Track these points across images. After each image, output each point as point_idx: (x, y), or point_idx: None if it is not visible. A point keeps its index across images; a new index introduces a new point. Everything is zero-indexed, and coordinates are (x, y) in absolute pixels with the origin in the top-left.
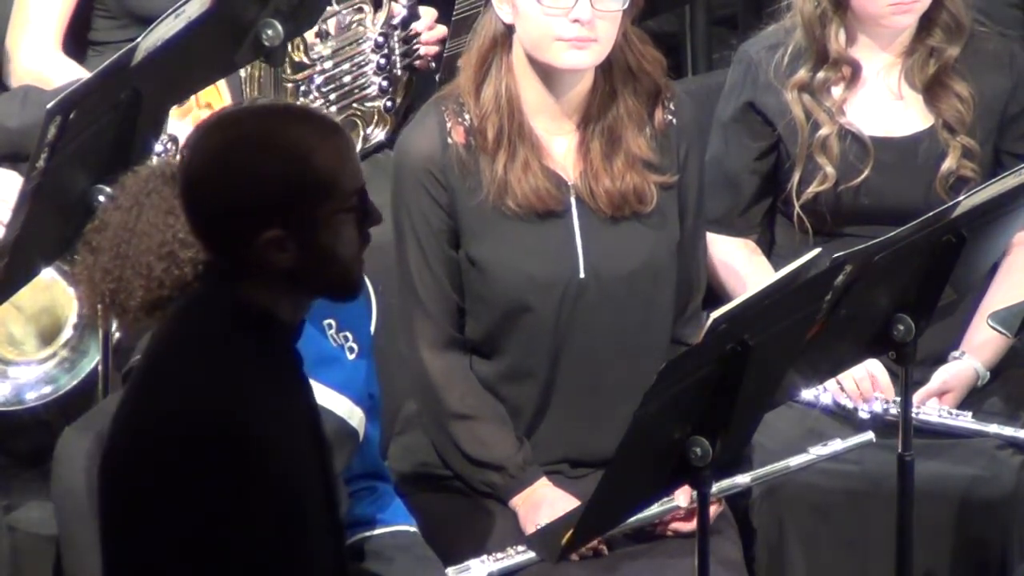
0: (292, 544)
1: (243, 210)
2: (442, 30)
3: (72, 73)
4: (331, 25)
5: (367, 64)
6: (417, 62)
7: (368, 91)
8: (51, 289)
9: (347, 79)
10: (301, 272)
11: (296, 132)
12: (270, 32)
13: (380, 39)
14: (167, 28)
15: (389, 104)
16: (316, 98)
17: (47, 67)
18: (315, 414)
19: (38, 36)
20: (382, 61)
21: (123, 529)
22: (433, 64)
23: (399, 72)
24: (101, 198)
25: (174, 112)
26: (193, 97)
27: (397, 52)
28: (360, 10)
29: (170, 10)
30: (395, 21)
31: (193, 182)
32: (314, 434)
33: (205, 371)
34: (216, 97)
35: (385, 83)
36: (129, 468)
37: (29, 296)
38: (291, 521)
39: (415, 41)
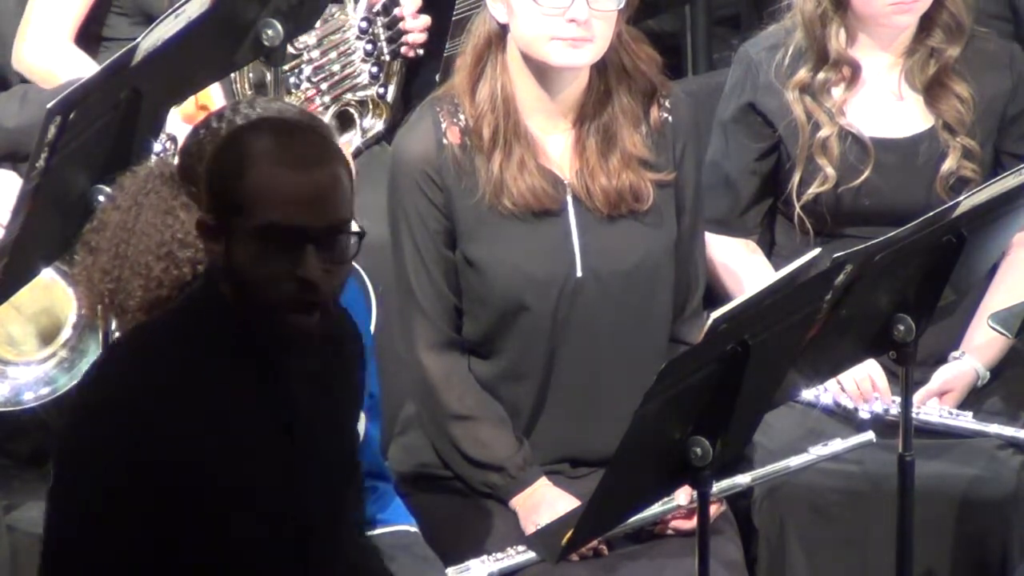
0: (199, 537)
1: (198, 184)
2: (426, 19)
3: (82, 66)
4: None
5: (353, 52)
6: (403, 48)
7: (359, 79)
8: (50, 289)
9: (336, 68)
10: (223, 272)
11: (256, 138)
12: (270, 32)
13: (363, 24)
14: (167, 28)
15: (382, 91)
16: (307, 89)
17: (55, 60)
18: (281, 415)
19: (50, 28)
20: (368, 47)
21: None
22: (420, 52)
23: (387, 58)
24: (101, 198)
25: (175, 112)
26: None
27: (382, 38)
28: None
29: (170, 10)
30: (376, 8)
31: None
32: (276, 435)
33: (142, 363)
34: (209, 99)
35: (375, 69)
36: (59, 454)
37: (28, 296)
38: (187, 514)
39: (399, 27)
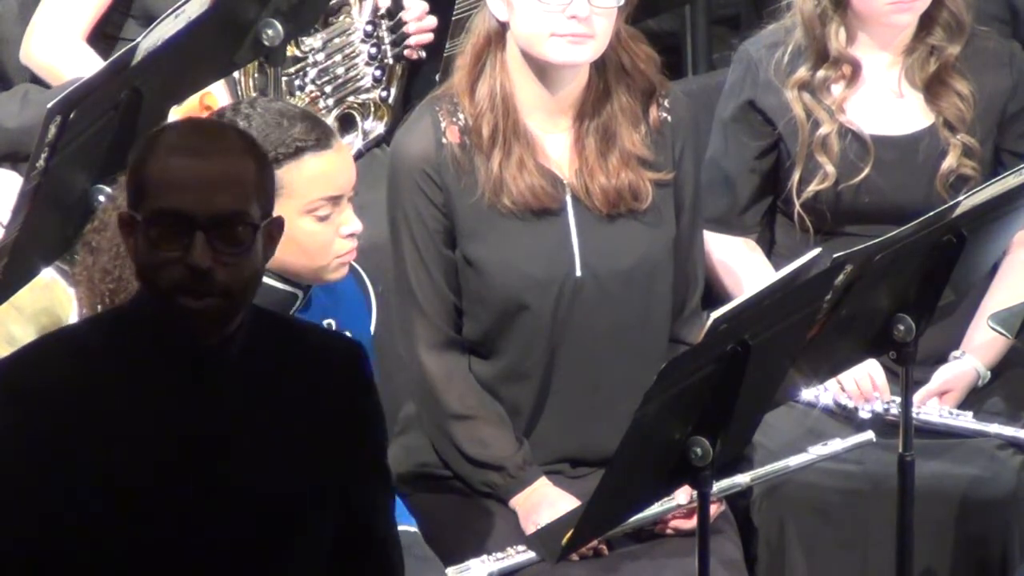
0: (78, 546)
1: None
2: (432, 20)
3: (89, 65)
4: None
5: (358, 55)
6: (407, 51)
7: (362, 82)
8: (50, 289)
9: (340, 71)
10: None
11: (163, 134)
12: (270, 32)
13: (368, 28)
14: (167, 28)
15: (384, 94)
16: (312, 91)
17: (62, 57)
18: (191, 434)
19: (61, 24)
20: (373, 51)
21: None
22: (424, 54)
23: (391, 61)
24: (101, 198)
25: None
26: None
27: (387, 41)
28: (345, 2)
29: (170, 10)
30: (381, 11)
31: None
32: (181, 457)
33: (58, 342)
34: (213, 99)
35: (378, 72)
36: None
37: (28, 296)
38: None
39: (403, 30)
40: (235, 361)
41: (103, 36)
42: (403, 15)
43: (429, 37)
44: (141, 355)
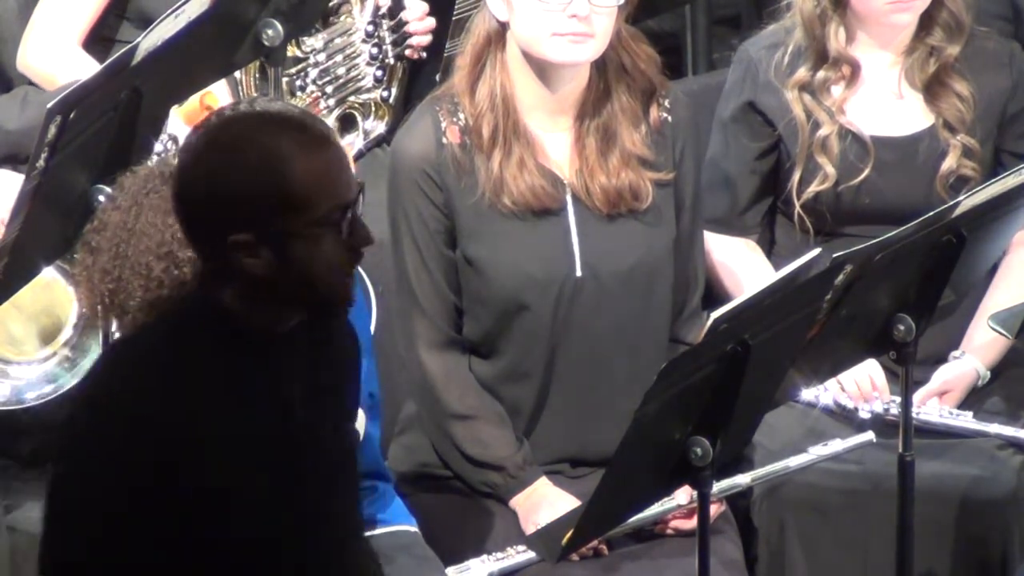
0: (199, 537)
1: (213, 210)
2: (431, 21)
3: (86, 71)
4: None
5: (359, 55)
6: (408, 51)
7: (363, 82)
8: (51, 288)
9: (341, 71)
10: (277, 282)
11: (277, 141)
12: (270, 32)
13: (369, 28)
14: (167, 28)
15: (385, 94)
16: (313, 91)
17: (59, 63)
18: (280, 421)
19: (56, 31)
20: (374, 51)
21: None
22: (424, 54)
23: (391, 61)
24: (101, 198)
25: (175, 112)
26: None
27: (388, 41)
28: (346, 1)
29: (170, 10)
30: (382, 11)
31: (177, 178)
32: (276, 440)
33: (142, 365)
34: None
35: (379, 73)
36: (59, 455)
37: (29, 295)
38: (203, 518)
39: (404, 29)
40: (299, 347)
41: (99, 39)
42: (403, 15)
43: (428, 39)
44: (216, 351)
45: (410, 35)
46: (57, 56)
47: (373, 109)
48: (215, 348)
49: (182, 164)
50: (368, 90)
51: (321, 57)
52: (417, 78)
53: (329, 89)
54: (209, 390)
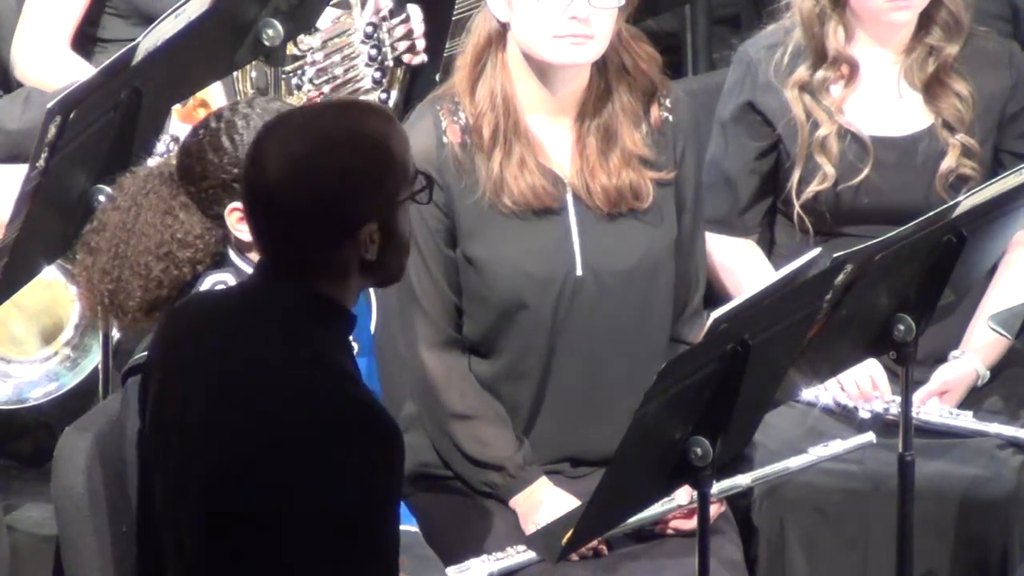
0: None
1: (338, 209)
2: (422, 27)
3: (78, 73)
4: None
5: (357, 56)
6: (406, 55)
7: (361, 84)
8: (52, 288)
9: (339, 71)
10: (379, 261)
11: (370, 123)
12: (270, 32)
13: (369, 29)
14: (167, 28)
15: (384, 97)
16: (310, 91)
17: (51, 69)
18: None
19: (45, 36)
20: (373, 52)
21: (255, 536)
22: (425, 57)
23: (390, 63)
24: (101, 198)
25: (175, 112)
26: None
27: (387, 44)
28: (346, 3)
29: (170, 10)
30: (382, 12)
31: (274, 189)
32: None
33: (310, 365)
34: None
35: (378, 74)
36: (253, 473)
37: (30, 295)
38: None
39: (404, 35)
40: None
41: (88, 38)
42: (407, 19)
43: (423, 43)
44: (340, 349)
45: (412, 40)
46: (48, 64)
47: None
48: (331, 343)
49: (278, 179)
50: (366, 92)
51: (318, 56)
52: (418, 79)
53: (326, 89)
54: (355, 381)
